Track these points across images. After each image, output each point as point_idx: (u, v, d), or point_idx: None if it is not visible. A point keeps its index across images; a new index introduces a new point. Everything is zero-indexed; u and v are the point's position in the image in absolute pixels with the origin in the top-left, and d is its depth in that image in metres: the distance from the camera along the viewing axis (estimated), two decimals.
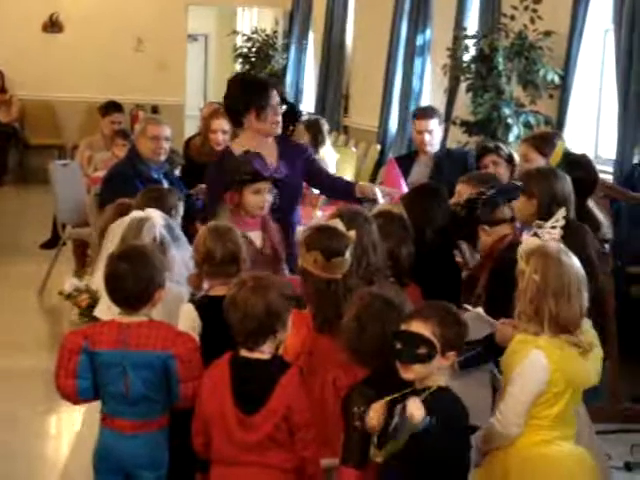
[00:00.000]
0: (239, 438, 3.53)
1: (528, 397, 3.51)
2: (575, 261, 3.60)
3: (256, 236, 4.81)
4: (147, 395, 3.73)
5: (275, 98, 5.51)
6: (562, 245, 3.67)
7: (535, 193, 4.81)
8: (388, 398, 3.32)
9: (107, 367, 3.72)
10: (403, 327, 3.34)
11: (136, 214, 4.59)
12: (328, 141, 9.40)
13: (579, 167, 5.48)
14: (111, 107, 10.07)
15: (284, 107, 5.69)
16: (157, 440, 3.78)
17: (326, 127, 9.27)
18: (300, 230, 4.12)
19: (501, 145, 6.68)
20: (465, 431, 3.33)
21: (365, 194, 5.41)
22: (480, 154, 6.65)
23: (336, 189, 5.72)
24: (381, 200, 5.28)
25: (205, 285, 4.23)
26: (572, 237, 3.85)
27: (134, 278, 3.73)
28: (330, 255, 3.88)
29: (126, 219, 4.59)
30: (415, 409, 3.15)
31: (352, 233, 3.98)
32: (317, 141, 9.13)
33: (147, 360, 3.70)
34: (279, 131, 5.56)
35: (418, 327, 3.30)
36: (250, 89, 5.54)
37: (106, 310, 4.05)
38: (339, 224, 4.02)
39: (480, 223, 4.60)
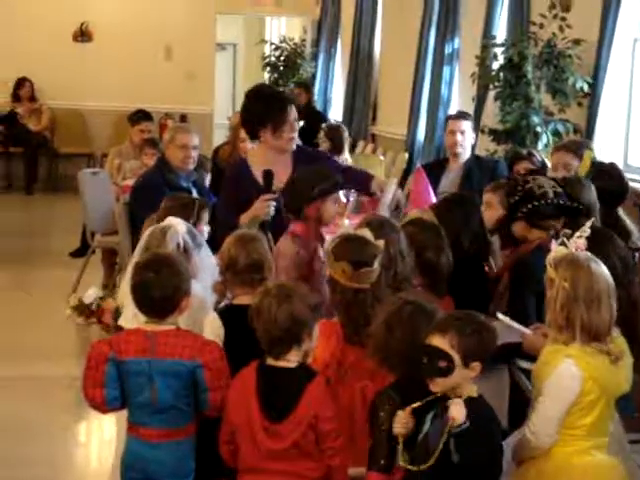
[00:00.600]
0: (266, 446, 3.53)
1: (561, 407, 3.49)
2: (604, 269, 3.58)
3: None
4: (174, 404, 3.73)
5: (292, 114, 5.53)
6: (590, 254, 3.66)
7: None
8: (414, 405, 3.32)
9: (134, 376, 3.73)
10: (427, 341, 3.34)
11: (160, 224, 4.61)
12: (346, 149, 9.43)
13: (609, 176, 5.46)
14: (141, 116, 10.12)
15: (301, 123, 5.74)
16: (184, 449, 3.78)
17: (346, 134, 9.29)
18: (328, 239, 4.11)
19: (534, 152, 6.67)
20: (498, 437, 3.33)
21: (382, 189, 5.44)
22: (512, 161, 6.66)
23: (356, 180, 5.72)
24: (388, 198, 5.31)
25: (229, 294, 4.25)
26: (596, 245, 3.83)
27: (160, 286, 3.74)
28: (358, 265, 3.87)
29: (149, 230, 4.62)
30: (459, 410, 3.17)
31: (380, 242, 3.97)
32: (336, 148, 9.16)
33: (174, 369, 3.71)
34: (293, 147, 5.58)
35: (437, 341, 3.31)
36: (267, 104, 5.56)
37: (131, 318, 4.07)
38: (367, 233, 4.02)
39: (527, 218, 4.58)
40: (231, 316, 4.03)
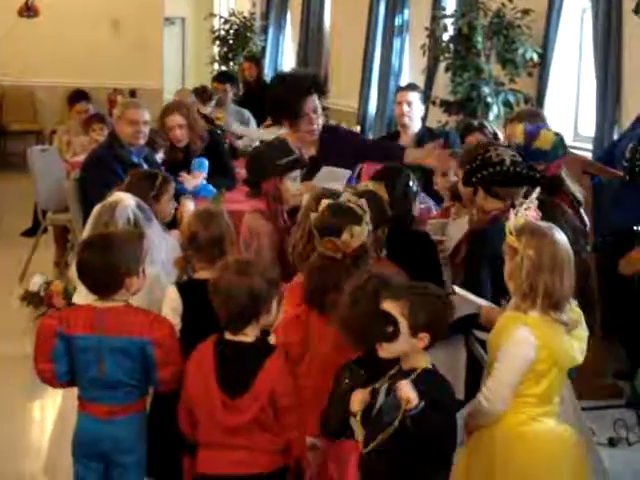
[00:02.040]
0: (224, 421, 3.53)
1: (516, 374, 3.53)
2: (564, 237, 3.62)
3: None
4: (123, 380, 3.72)
5: (311, 104, 5.55)
6: (550, 223, 3.69)
7: None
8: (375, 386, 3.35)
9: (82, 352, 3.71)
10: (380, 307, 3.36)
11: (108, 199, 4.59)
12: None
13: None
14: (74, 97, 10.02)
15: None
16: (134, 425, 3.78)
17: None
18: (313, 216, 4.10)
19: (485, 123, 6.69)
20: (453, 412, 3.35)
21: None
22: (464, 133, 6.68)
23: (387, 153, 5.70)
24: None
25: (190, 268, 4.24)
26: (545, 214, 3.86)
27: (100, 266, 3.72)
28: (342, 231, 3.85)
29: (98, 205, 4.59)
30: (409, 392, 3.17)
31: (362, 201, 3.97)
32: None
33: (123, 345, 3.70)
34: (315, 137, 5.60)
35: (388, 306, 3.33)
36: (284, 99, 5.63)
37: (85, 295, 4.04)
38: (349, 197, 4.03)
39: (484, 185, 4.56)
40: (191, 290, 4.02)
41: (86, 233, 4.47)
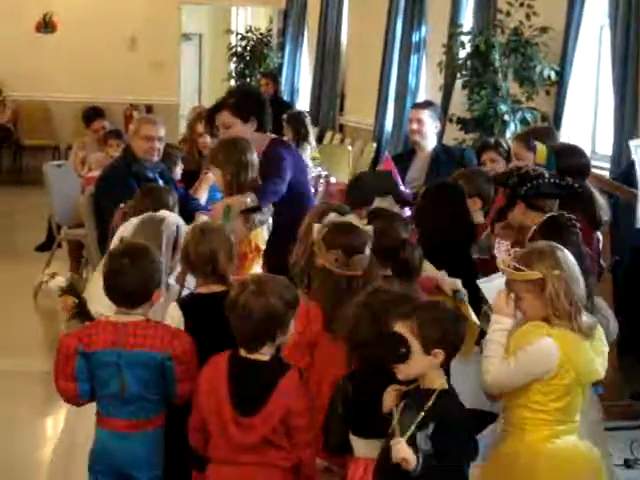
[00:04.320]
0: (236, 439, 3.50)
1: (525, 378, 3.51)
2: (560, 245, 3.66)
3: None
4: (142, 395, 3.71)
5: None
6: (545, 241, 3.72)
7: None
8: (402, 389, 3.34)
9: (102, 367, 3.70)
10: (390, 328, 3.34)
11: (151, 214, 4.61)
12: (312, 136, 9.36)
13: (570, 154, 5.46)
14: (91, 115, 10.04)
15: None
16: (152, 440, 3.76)
17: (308, 121, 9.23)
18: (316, 228, 4.07)
19: (502, 141, 6.66)
20: (470, 436, 3.31)
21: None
22: (480, 150, 6.65)
23: None
24: None
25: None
26: (550, 234, 3.93)
27: (134, 275, 3.72)
28: (351, 253, 3.86)
29: (133, 221, 4.59)
30: (405, 453, 3.15)
31: (369, 227, 3.96)
32: (300, 135, 9.10)
33: (143, 360, 3.68)
34: None
35: (398, 327, 3.31)
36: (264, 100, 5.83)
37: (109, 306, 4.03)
38: (355, 219, 4.01)
39: (526, 199, 4.60)
40: (191, 305, 4.02)
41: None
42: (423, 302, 3.46)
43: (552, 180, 4.61)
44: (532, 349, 3.50)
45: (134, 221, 4.59)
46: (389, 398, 3.36)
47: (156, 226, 4.48)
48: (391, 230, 4.27)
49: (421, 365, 3.30)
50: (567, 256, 3.58)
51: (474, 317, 4.23)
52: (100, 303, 4.32)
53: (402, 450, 3.15)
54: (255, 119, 5.73)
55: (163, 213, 4.62)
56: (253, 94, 6.18)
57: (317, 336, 3.86)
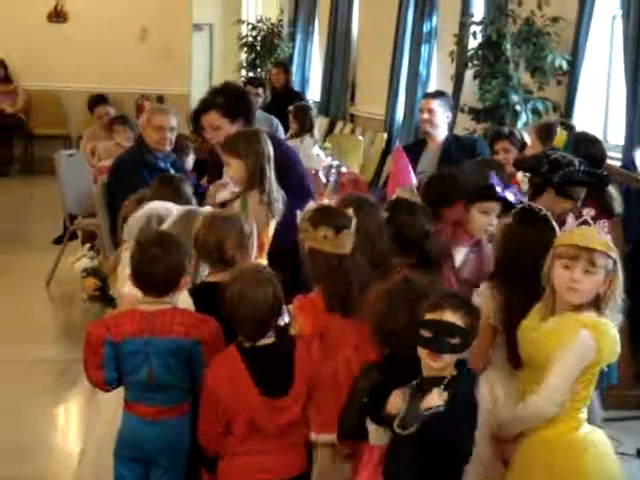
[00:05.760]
0: (273, 424, 3.59)
1: (574, 378, 3.49)
2: None
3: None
4: (171, 382, 3.76)
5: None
6: None
7: None
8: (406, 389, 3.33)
9: (130, 355, 3.75)
10: (432, 316, 3.32)
11: (154, 207, 4.62)
12: (316, 128, 9.37)
13: (589, 142, 5.49)
14: (93, 102, 10.08)
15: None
16: (180, 427, 3.80)
17: (314, 113, 9.23)
18: (298, 214, 4.07)
19: (515, 131, 6.65)
20: (470, 421, 3.31)
21: None
22: (493, 140, 6.66)
23: None
24: None
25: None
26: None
27: (166, 262, 3.78)
28: (339, 229, 3.86)
29: (142, 212, 4.62)
30: (435, 398, 3.21)
31: (349, 210, 3.95)
32: (304, 128, 9.11)
33: (172, 347, 3.73)
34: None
35: (450, 317, 3.30)
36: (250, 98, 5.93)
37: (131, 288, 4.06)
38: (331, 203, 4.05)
39: (557, 186, 4.60)
40: (200, 293, 4.05)
41: (130, 239, 4.47)
42: (459, 295, 3.49)
43: (582, 168, 4.61)
44: (572, 350, 3.46)
45: (174, 211, 4.60)
46: (398, 399, 3.34)
47: (158, 219, 4.53)
48: (414, 222, 4.27)
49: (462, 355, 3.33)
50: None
51: None
52: (125, 284, 4.36)
53: (434, 397, 3.20)
54: (242, 119, 5.75)
55: (166, 207, 4.64)
56: (241, 94, 6.17)
57: (326, 320, 3.87)
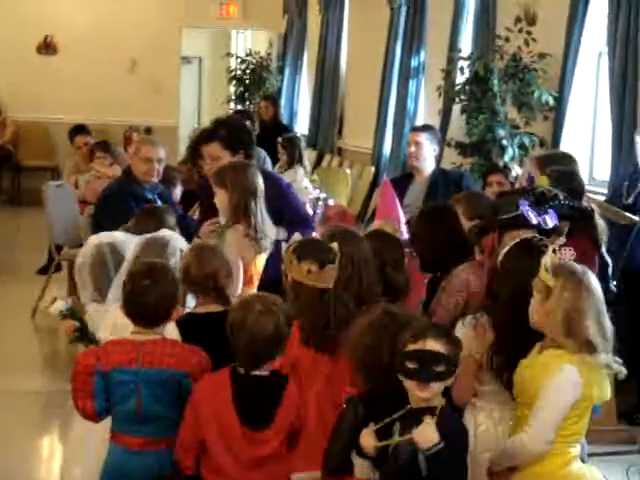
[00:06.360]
0: (246, 455, 3.57)
1: (561, 413, 3.48)
2: (597, 281, 3.59)
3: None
4: (159, 413, 3.76)
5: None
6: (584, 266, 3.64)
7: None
8: (381, 424, 3.32)
9: (120, 385, 3.75)
10: (414, 346, 3.31)
11: (154, 236, 4.65)
12: (305, 159, 9.39)
13: (569, 177, 5.48)
14: (73, 132, 10.10)
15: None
16: (166, 458, 3.77)
17: (302, 144, 9.27)
18: (284, 246, 4.11)
19: (510, 167, 6.70)
20: (466, 451, 3.33)
21: None
22: (487, 172, 6.69)
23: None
24: None
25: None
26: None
27: (157, 294, 3.79)
28: (324, 263, 3.86)
29: (134, 240, 4.62)
30: (431, 432, 3.17)
31: (334, 244, 3.96)
32: (294, 159, 9.14)
33: (161, 378, 3.74)
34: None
35: (433, 345, 3.30)
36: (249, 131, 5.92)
37: (111, 327, 4.06)
38: (317, 236, 4.05)
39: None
40: (188, 325, 4.06)
41: (128, 265, 4.47)
42: (437, 324, 3.54)
43: (567, 202, 4.58)
44: (556, 383, 3.46)
45: (135, 240, 4.61)
46: (369, 439, 3.33)
47: (161, 249, 4.52)
48: (383, 250, 4.29)
49: (449, 383, 3.33)
50: (594, 292, 3.53)
51: None
52: (103, 330, 4.35)
53: (430, 429, 3.17)
54: (243, 152, 5.78)
55: (165, 234, 4.65)
56: (243, 128, 6.22)
57: (298, 353, 3.88)
